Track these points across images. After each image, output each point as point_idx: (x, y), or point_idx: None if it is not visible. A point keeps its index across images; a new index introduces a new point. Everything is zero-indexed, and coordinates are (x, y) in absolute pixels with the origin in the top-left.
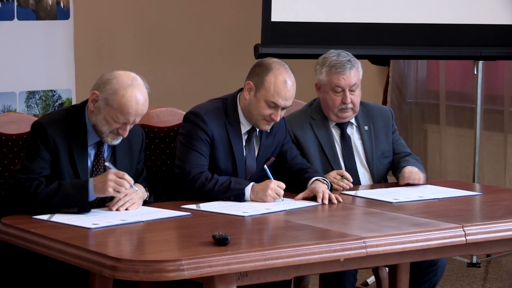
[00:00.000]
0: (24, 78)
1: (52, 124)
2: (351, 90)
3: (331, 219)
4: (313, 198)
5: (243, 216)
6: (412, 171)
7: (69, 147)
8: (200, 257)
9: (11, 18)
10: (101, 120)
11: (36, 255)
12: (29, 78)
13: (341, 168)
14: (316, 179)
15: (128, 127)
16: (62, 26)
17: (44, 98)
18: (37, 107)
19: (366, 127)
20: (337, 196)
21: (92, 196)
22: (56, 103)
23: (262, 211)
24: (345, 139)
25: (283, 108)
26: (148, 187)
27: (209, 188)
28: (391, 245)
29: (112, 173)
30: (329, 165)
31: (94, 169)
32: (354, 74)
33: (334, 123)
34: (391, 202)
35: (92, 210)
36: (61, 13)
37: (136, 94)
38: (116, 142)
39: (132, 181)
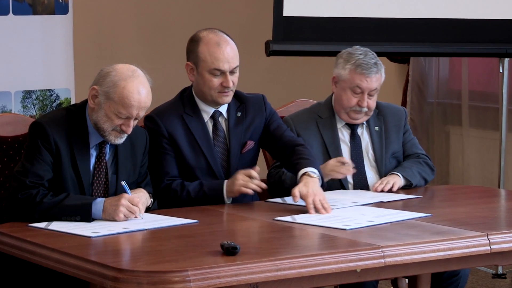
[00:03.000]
0: (20, 77)
1: (53, 124)
2: (369, 94)
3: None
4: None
5: (345, 229)
6: (377, 184)
7: (71, 148)
8: (208, 268)
9: (6, 12)
10: (102, 116)
11: (33, 266)
12: (25, 77)
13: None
14: (305, 174)
15: (132, 123)
16: (60, 22)
17: (41, 98)
18: (34, 107)
19: (376, 128)
20: (326, 208)
21: (98, 217)
22: (54, 103)
23: (365, 224)
24: (355, 140)
25: (232, 72)
26: (151, 193)
27: (185, 199)
28: (411, 255)
29: (126, 198)
30: None
31: (95, 171)
32: (377, 79)
33: (344, 123)
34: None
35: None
36: (60, 8)
37: (137, 85)
38: (120, 140)
39: (143, 211)
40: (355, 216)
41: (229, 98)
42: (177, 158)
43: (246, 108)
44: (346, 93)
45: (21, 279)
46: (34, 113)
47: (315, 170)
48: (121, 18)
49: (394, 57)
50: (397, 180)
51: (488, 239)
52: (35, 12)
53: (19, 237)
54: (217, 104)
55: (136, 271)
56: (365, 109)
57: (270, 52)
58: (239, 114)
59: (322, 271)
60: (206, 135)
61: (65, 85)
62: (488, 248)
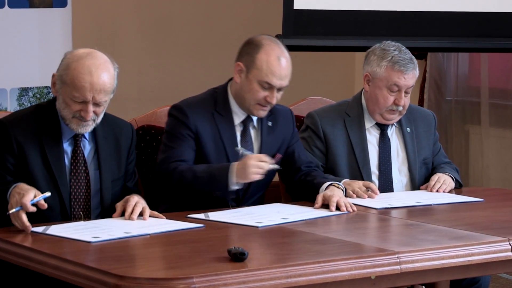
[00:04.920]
0: (16, 73)
1: (16, 122)
2: (406, 92)
3: (361, 232)
4: (327, 206)
5: (257, 227)
6: (436, 178)
7: (41, 146)
8: (214, 274)
9: (1, 5)
10: (61, 103)
11: (30, 273)
12: (21, 74)
13: (370, 173)
14: (331, 184)
15: (90, 108)
16: (58, 15)
17: (38, 96)
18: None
19: (408, 129)
20: (351, 204)
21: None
22: None
23: (278, 221)
24: (385, 141)
25: (279, 90)
26: (138, 191)
27: (189, 181)
28: (428, 261)
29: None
30: (357, 169)
31: (72, 167)
32: (413, 75)
33: (373, 123)
34: (376, 208)
35: (94, 221)
36: (58, 0)
37: (89, 65)
38: (84, 129)
39: (148, 214)
40: (271, 213)
41: (265, 113)
42: (198, 155)
43: (275, 118)
44: (382, 91)
45: (18, 287)
46: None
47: (341, 183)
48: (123, 12)
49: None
50: (451, 182)
51: (510, 244)
52: (32, 5)
53: (15, 243)
54: (251, 113)
55: (139, 278)
56: (401, 108)
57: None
58: (270, 123)
59: (335, 278)
60: (233, 137)
61: None
62: (510, 253)
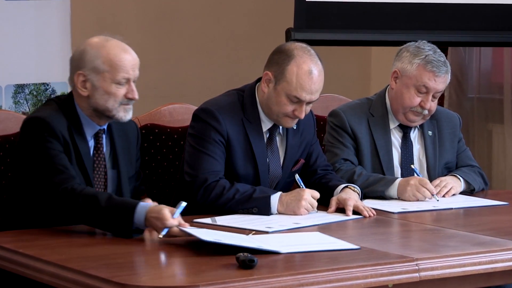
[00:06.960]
0: (12, 69)
1: (53, 117)
2: (433, 96)
3: (377, 237)
4: (343, 210)
5: (267, 232)
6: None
7: (73, 143)
8: (221, 282)
9: None
10: (102, 95)
11: (26, 281)
12: (17, 69)
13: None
14: (346, 186)
15: (134, 86)
16: (56, 7)
17: (35, 93)
18: (27, 103)
19: (430, 133)
20: (369, 208)
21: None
22: None
23: (289, 226)
24: (407, 144)
25: (308, 103)
26: (144, 189)
27: (228, 198)
28: (449, 268)
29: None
30: (380, 171)
31: (94, 165)
32: (444, 80)
33: (396, 124)
34: (393, 212)
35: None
36: None
37: (117, 45)
38: (129, 115)
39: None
40: (282, 218)
41: (294, 123)
42: (226, 162)
43: (299, 121)
44: (409, 90)
45: None
46: (27, 110)
47: (356, 186)
48: (125, 4)
49: None
50: (457, 184)
51: None
52: None
53: (10, 249)
54: (278, 124)
55: (142, 286)
56: (426, 112)
57: (291, 42)
58: (294, 126)
59: (349, 286)
60: (262, 146)
61: (61, 79)
62: None
